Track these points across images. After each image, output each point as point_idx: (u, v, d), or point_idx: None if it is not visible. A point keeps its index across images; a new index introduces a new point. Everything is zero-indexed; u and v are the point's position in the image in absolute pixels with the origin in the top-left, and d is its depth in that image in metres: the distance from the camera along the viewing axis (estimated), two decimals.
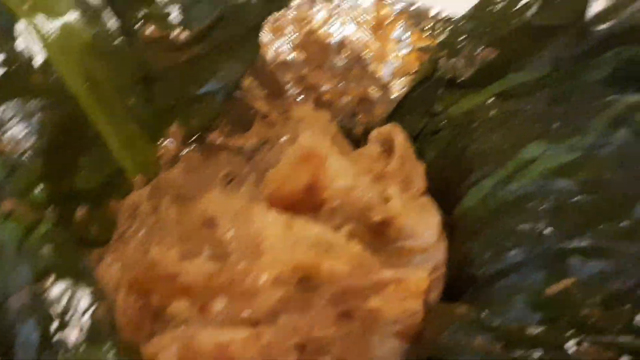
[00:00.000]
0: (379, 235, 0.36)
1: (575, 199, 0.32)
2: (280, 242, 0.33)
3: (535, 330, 0.29)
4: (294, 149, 0.34)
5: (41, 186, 0.35)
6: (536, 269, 0.31)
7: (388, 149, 0.40)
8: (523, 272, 0.31)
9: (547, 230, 0.32)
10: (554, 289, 0.30)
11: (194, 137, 0.44)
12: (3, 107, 0.35)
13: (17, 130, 0.35)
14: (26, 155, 0.35)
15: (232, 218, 0.34)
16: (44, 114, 0.36)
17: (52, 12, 0.38)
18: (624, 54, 0.38)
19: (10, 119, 0.35)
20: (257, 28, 0.42)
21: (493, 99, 0.41)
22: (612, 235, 0.30)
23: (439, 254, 0.37)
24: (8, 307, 0.29)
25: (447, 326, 0.31)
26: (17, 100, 0.35)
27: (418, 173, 0.40)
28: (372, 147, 0.40)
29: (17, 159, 0.35)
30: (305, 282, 0.33)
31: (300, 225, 0.34)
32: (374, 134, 0.40)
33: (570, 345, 0.27)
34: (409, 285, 0.33)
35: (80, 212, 0.39)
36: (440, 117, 0.43)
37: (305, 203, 0.35)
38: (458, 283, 0.35)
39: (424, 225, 0.37)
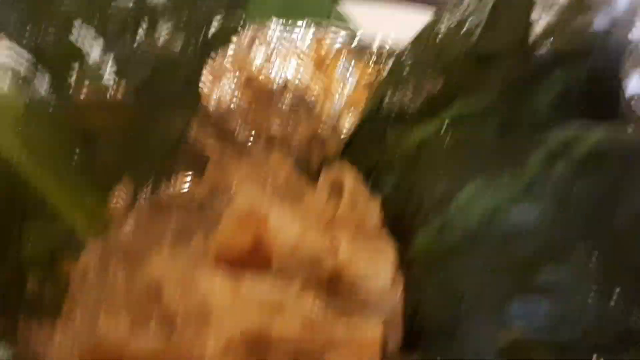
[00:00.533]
0: (332, 287, 0.35)
1: (518, 238, 0.31)
2: (227, 307, 0.32)
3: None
4: (232, 209, 0.34)
5: None
6: (488, 315, 0.31)
7: (338, 191, 0.40)
8: (474, 317, 0.31)
9: (494, 273, 0.31)
10: (504, 336, 0.30)
11: (144, 192, 0.43)
12: None
13: None
14: None
15: (177, 284, 0.33)
16: None
17: None
18: (567, 74, 0.38)
19: None
20: (195, 78, 0.41)
21: (443, 128, 0.41)
22: (556, 276, 0.30)
23: (394, 300, 0.35)
24: None
25: None
26: None
27: (372, 211, 0.39)
28: (320, 194, 0.39)
29: None
30: (256, 346, 0.32)
31: (248, 287, 0.33)
32: (321, 179, 0.40)
33: None
34: (362, 342, 0.33)
35: (32, 281, 0.38)
36: (392, 149, 0.43)
37: (253, 261, 0.35)
38: (415, 329, 0.34)
39: (376, 271, 0.36)
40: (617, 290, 0.28)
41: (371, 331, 0.33)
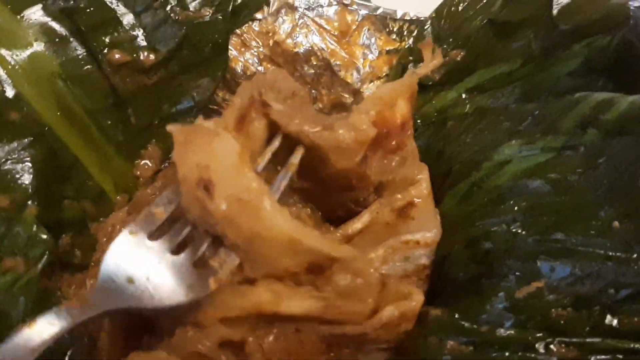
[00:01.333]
0: (400, 220, 0.36)
1: (547, 200, 0.32)
2: None
3: (505, 332, 0.29)
4: None
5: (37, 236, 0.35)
6: (507, 269, 0.32)
7: None
8: (496, 274, 0.32)
9: (520, 231, 0.32)
10: (524, 291, 0.30)
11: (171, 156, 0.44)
12: None
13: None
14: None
15: None
16: (27, 151, 0.36)
17: (17, 45, 0.38)
18: (592, 45, 0.38)
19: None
20: (224, 44, 0.42)
21: (465, 95, 0.41)
22: (581, 236, 0.30)
23: (433, 252, 0.37)
24: None
25: (422, 331, 0.31)
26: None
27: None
28: None
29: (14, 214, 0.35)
30: None
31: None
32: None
33: (540, 347, 0.28)
34: (407, 314, 0.34)
35: (65, 238, 0.39)
36: (414, 117, 0.43)
37: None
38: (435, 283, 0.35)
39: (433, 220, 0.37)
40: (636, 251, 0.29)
41: (416, 302, 0.34)
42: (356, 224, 0.37)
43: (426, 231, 0.36)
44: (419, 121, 0.43)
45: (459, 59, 0.41)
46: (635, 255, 0.29)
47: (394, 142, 0.35)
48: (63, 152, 0.39)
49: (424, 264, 0.37)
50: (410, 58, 0.42)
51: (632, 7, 0.35)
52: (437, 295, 0.35)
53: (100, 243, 0.41)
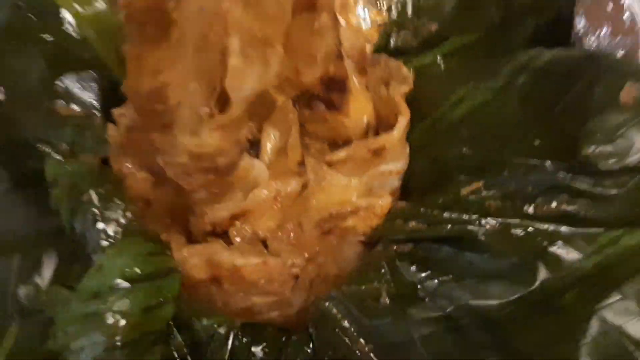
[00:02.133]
0: (375, 157, 0.46)
1: (488, 127, 0.42)
2: None
3: (450, 214, 0.39)
4: None
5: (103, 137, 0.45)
6: (457, 176, 0.42)
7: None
8: (450, 179, 0.42)
9: (468, 149, 0.42)
10: (467, 189, 0.41)
11: None
12: (66, 79, 0.46)
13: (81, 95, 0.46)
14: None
15: None
16: (94, 82, 0.47)
17: (85, 2, 0.49)
18: (542, 15, 0.49)
19: (73, 88, 0.46)
20: None
21: (439, 58, 0.51)
22: (511, 151, 0.41)
23: (402, 176, 0.47)
24: None
25: (391, 217, 0.42)
26: (73, 74, 0.46)
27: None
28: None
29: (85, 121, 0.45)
30: None
31: None
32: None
33: (475, 223, 0.38)
34: (376, 209, 0.44)
35: None
36: None
37: None
38: (405, 192, 0.46)
39: (402, 152, 0.47)
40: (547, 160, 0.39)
41: (384, 203, 0.44)
42: (337, 155, 0.46)
43: (397, 162, 0.46)
44: None
45: (433, 30, 0.51)
46: (547, 163, 0.39)
47: None
48: (116, 84, 0.49)
49: (396, 186, 0.47)
50: (394, 27, 0.52)
51: None
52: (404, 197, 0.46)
53: None
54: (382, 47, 0.53)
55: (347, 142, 0.47)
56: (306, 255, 0.43)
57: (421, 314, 0.36)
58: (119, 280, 0.37)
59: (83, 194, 0.41)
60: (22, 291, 0.42)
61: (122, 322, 0.36)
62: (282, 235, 0.43)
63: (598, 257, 0.36)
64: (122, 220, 0.41)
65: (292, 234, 0.43)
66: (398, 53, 0.52)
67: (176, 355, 0.37)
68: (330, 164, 0.46)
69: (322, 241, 0.44)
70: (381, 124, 0.48)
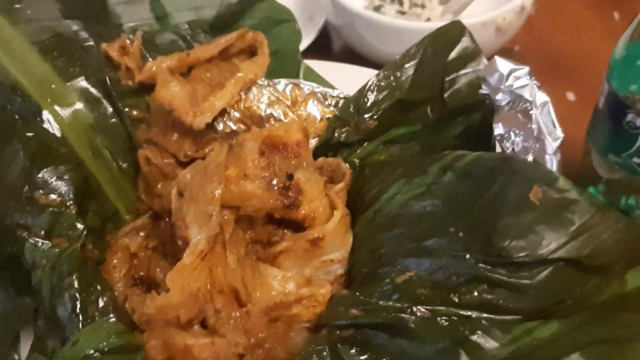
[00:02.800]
0: (315, 248, 0.50)
1: (420, 219, 0.47)
2: None
3: (387, 303, 0.43)
4: None
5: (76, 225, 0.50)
6: (393, 265, 0.46)
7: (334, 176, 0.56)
8: (386, 268, 0.46)
9: (403, 240, 0.47)
10: (401, 278, 0.45)
11: None
12: (45, 171, 0.50)
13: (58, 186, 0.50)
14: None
15: None
16: (69, 175, 0.51)
17: (65, 104, 0.54)
18: (469, 118, 0.54)
19: (50, 180, 0.50)
20: None
21: (381, 146, 0.56)
22: (437, 242, 0.45)
23: (346, 263, 0.51)
24: None
25: (333, 304, 0.45)
26: (51, 167, 0.51)
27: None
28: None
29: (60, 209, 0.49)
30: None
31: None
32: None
33: (407, 311, 0.42)
34: (318, 298, 0.48)
35: (88, 242, 0.53)
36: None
37: None
38: (348, 279, 0.49)
39: (343, 243, 0.51)
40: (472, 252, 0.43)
41: (325, 292, 0.48)
42: (277, 248, 0.50)
43: (337, 252, 0.51)
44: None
45: (372, 126, 0.56)
46: (468, 255, 0.43)
47: (290, 151, 0.51)
48: (91, 179, 0.54)
49: (340, 273, 0.51)
50: (338, 123, 0.57)
51: (483, 92, 0.51)
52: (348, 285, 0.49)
53: (112, 248, 0.55)
54: (327, 140, 0.58)
55: None
56: (252, 340, 0.46)
57: None
58: (92, 352, 0.40)
59: (65, 278, 0.45)
60: None
61: None
62: (229, 320, 0.47)
63: (513, 346, 0.39)
64: (100, 304, 0.45)
65: (239, 320, 0.47)
66: (341, 146, 0.58)
67: None
68: (274, 257, 0.51)
69: (269, 328, 0.47)
70: None
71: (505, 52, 0.75)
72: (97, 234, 0.54)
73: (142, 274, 0.53)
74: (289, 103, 0.58)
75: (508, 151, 0.48)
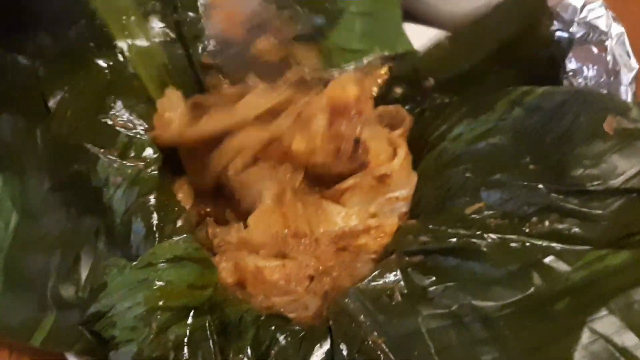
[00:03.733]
0: (380, 185, 0.50)
1: (487, 155, 0.46)
2: None
3: (456, 230, 0.43)
4: None
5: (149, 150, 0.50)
6: (462, 197, 0.45)
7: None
8: (454, 201, 0.46)
9: (470, 174, 0.46)
10: (470, 209, 0.44)
11: None
12: (119, 100, 0.51)
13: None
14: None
15: None
16: (140, 107, 0.51)
17: (142, 39, 0.54)
18: (537, 56, 0.53)
19: (121, 109, 0.50)
20: None
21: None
22: (511, 175, 0.44)
23: (410, 201, 0.51)
24: None
25: (401, 232, 0.45)
26: (125, 97, 0.51)
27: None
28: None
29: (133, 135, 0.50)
30: None
31: None
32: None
33: (478, 238, 0.42)
34: (385, 229, 0.48)
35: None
36: None
37: None
38: (412, 216, 0.49)
39: (408, 181, 0.51)
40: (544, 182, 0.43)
41: (392, 224, 0.48)
42: (343, 185, 0.50)
43: (402, 189, 0.50)
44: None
45: (430, 85, 0.56)
46: (540, 185, 0.42)
47: (353, 112, 0.50)
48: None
49: (404, 211, 0.51)
50: (395, 81, 0.57)
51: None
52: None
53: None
54: (384, 96, 0.57)
55: None
56: (321, 268, 0.47)
57: (429, 311, 0.39)
58: (170, 257, 0.41)
59: (142, 196, 0.45)
60: (62, 286, 0.46)
61: (167, 289, 0.39)
62: (298, 246, 0.47)
63: (585, 271, 0.39)
64: (178, 223, 0.46)
65: (308, 246, 0.47)
66: (397, 101, 0.57)
67: (207, 331, 0.40)
68: (340, 194, 0.50)
69: (337, 257, 0.47)
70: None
71: None
72: None
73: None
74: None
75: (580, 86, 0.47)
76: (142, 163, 0.47)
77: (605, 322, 0.37)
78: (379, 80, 0.57)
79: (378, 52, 0.59)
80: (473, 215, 0.44)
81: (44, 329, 0.44)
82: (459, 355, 0.38)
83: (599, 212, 0.41)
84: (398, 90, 0.58)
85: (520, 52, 0.53)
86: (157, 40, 0.54)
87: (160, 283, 0.39)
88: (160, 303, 0.39)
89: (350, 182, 0.50)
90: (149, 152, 0.48)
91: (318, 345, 0.40)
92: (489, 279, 0.40)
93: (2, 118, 0.50)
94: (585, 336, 0.36)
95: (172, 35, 0.55)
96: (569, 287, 0.39)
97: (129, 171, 0.46)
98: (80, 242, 0.47)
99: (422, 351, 0.38)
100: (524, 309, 0.39)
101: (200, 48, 0.56)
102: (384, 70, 0.57)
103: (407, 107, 0.56)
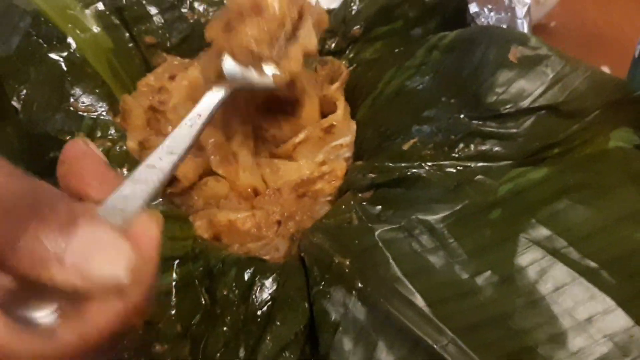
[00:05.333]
0: (327, 135, 0.54)
1: (414, 94, 0.51)
2: None
3: (398, 164, 0.47)
4: None
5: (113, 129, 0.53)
6: (397, 136, 0.50)
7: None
8: (392, 140, 0.50)
9: (403, 115, 0.51)
10: (406, 145, 0.49)
11: None
12: (77, 86, 0.53)
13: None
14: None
15: None
16: (99, 90, 0.54)
17: (85, 29, 0.56)
18: (447, 7, 0.59)
19: (81, 95, 0.53)
20: None
21: (366, 44, 0.61)
22: (436, 110, 0.49)
23: (352, 147, 0.55)
24: None
25: (350, 172, 0.49)
26: (82, 83, 0.53)
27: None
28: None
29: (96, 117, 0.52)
30: None
31: None
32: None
33: (414, 165, 0.46)
34: (337, 173, 0.52)
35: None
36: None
37: None
38: (359, 151, 0.54)
39: (349, 129, 0.55)
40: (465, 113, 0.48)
41: (341, 167, 0.52)
42: (296, 139, 0.54)
43: (345, 137, 0.55)
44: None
45: (357, 34, 0.60)
46: (462, 115, 0.47)
47: None
48: (113, 96, 0.56)
49: (348, 156, 0.55)
50: (327, 34, 0.61)
51: None
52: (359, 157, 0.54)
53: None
54: (318, 51, 0.60)
55: None
56: (286, 214, 0.50)
57: (383, 227, 0.43)
58: None
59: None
60: None
61: None
62: (264, 197, 0.51)
63: (511, 184, 0.44)
64: None
65: (272, 196, 0.51)
66: (331, 54, 0.62)
67: (193, 276, 0.43)
68: (292, 149, 0.54)
69: (298, 203, 0.51)
70: (326, 112, 0.57)
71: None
72: None
73: None
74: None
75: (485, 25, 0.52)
76: (109, 143, 0.49)
77: (537, 231, 0.40)
78: None
79: None
80: (409, 151, 0.49)
81: None
82: (414, 261, 0.41)
83: (515, 130, 0.45)
84: (331, 44, 0.62)
85: None
86: (101, 27, 0.56)
87: None
88: None
89: (301, 136, 0.53)
90: (112, 130, 0.50)
91: (295, 274, 0.44)
92: (430, 199, 0.45)
93: None
94: (521, 242, 0.40)
95: (116, 21, 0.57)
96: (499, 200, 0.43)
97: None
98: None
99: (382, 260, 0.41)
100: (462, 218, 0.43)
101: (143, 29, 0.58)
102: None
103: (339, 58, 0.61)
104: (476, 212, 0.43)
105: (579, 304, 0.36)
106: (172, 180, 0.49)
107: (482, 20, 0.52)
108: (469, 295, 0.38)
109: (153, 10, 0.59)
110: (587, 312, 0.36)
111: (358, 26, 0.60)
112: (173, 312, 0.41)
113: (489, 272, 0.39)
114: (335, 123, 0.54)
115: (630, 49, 0.53)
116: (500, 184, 0.44)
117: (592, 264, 0.37)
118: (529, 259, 0.39)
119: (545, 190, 0.43)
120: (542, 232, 0.40)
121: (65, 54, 0.53)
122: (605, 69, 0.72)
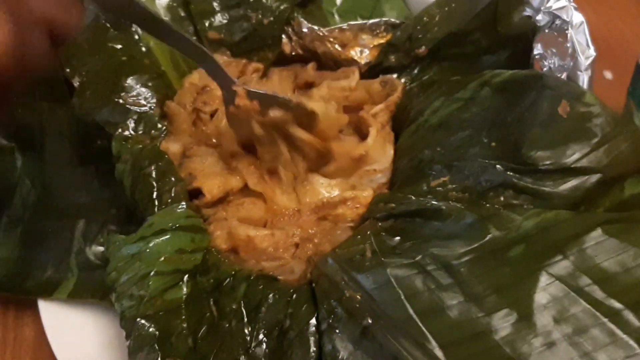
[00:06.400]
0: (358, 162, 0.53)
1: (456, 131, 0.48)
2: None
3: (424, 200, 0.45)
4: None
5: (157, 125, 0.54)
6: (430, 170, 0.48)
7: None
8: (423, 174, 0.48)
9: (440, 150, 0.48)
10: (436, 182, 0.46)
11: None
12: (130, 78, 0.54)
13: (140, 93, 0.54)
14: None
15: None
16: (152, 83, 0.55)
17: None
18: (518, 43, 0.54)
19: (135, 86, 0.54)
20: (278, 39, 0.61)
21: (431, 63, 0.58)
22: (474, 150, 0.46)
23: (389, 172, 0.53)
24: None
25: (376, 200, 0.48)
26: (136, 75, 0.55)
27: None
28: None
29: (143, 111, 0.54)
30: None
31: None
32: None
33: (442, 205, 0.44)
34: (361, 200, 0.51)
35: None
36: None
37: None
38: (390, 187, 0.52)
39: (384, 155, 0.54)
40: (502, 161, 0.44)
41: (366, 195, 0.51)
42: (328, 168, 0.53)
43: (379, 163, 0.53)
44: None
45: (423, 54, 0.57)
46: (498, 165, 0.44)
47: None
48: (171, 89, 0.57)
49: (383, 182, 0.53)
50: (390, 48, 0.59)
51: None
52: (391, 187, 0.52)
53: None
54: (379, 63, 0.60)
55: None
56: (305, 236, 0.49)
57: (396, 262, 0.41)
58: (161, 228, 0.44)
59: (144, 168, 0.49)
60: (90, 250, 0.51)
61: (159, 257, 0.43)
62: (284, 217, 0.51)
63: (537, 219, 0.40)
64: (172, 193, 0.49)
65: (292, 217, 0.51)
66: (391, 70, 0.60)
67: (202, 290, 0.44)
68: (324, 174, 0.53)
69: (318, 225, 0.50)
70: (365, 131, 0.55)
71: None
72: None
73: None
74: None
75: (545, 69, 0.48)
76: (148, 140, 0.51)
77: (560, 266, 0.37)
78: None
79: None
80: (438, 188, 0.46)
81: (66, 288, 0.49)
82: (427, 300, 0.39)
83: (551, 190, 0.42)
84: (392, 59, 0.59)
85: (499, 23, 0.54)
86: (169, 18, 0.57)
87: (149, 252, 0.43)
88: (153, 269, 0.42)
89: (332, 167, 0.53)
90: (157, 126, 0.52)
91: (305, 304, 0.42)
92: (449, 233, 0.42)
93: (24, 104, 0.54)
94: (543, 279, 0.37)
95: (182, 13, 0.58)
96: (522, 235, 0.40)
97: (137, 148, 0.50)
98: (102, 210, 0.52)
99: (393, 298, 0.39)
100: (481, 255, 0.40)
101: (207, 24, 0.59)
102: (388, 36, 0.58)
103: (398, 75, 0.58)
104: (497, 250, 0.40)
105: (600, 348, 0.34)
106: (197, 193, 0.50)
107: (545, 63, 0.48)
108: (483, 336, 0.36)
109: (217, 6, 0.59)
110: (608, 357, 0.33)
111: (424, 47, 0.57)
112: (185, 325, 0.42)
113: (506, 310, 0.37)
114: (364, 152, 0.52)
115: (632, 54, 0.51)
116: (524, 219, 0.40)
117: (617, 304, 0.35)
118: (549, 296, 0.36)
119: (577, 224, 0.39)
120: (567, 267, 0.37)
121: (127, 43, 0.55)
122: (608, 74, 0.69)
